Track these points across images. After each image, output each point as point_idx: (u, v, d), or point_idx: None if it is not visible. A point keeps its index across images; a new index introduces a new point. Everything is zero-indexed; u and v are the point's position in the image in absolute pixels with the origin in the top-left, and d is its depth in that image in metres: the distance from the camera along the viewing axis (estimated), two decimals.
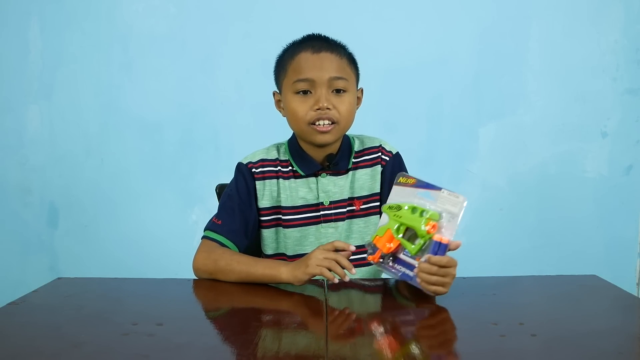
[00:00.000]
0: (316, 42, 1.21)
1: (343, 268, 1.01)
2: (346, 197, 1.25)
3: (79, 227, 2.28)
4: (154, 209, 2.27)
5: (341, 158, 1.25)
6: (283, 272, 1.05)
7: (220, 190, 1.45)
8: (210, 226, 1.21)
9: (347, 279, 1.01)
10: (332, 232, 1.24)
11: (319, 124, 1.17)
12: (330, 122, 1.17)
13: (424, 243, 0.99)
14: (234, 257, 1.12)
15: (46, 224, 2.28)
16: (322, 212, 1.24)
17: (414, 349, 0.82)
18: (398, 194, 1.05)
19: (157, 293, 1.07)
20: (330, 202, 1.24)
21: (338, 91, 1.19)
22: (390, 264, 1.03)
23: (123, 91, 2.24)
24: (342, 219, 1.25)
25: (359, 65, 1.27)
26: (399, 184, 1.06)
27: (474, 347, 0.81)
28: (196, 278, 1.15)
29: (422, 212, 1.00)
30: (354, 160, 1.27)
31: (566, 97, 2.27)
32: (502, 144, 2.28)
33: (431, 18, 2.24)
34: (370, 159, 1.27)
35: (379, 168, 1.27)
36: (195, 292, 1.09)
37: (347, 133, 1.28)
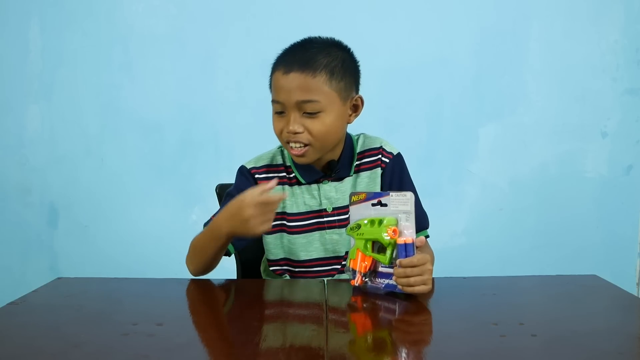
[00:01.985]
0: (290, 59, 1.16)
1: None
2: (348, 202, 1.24)
3: (79, 227, 2.28)
4: (154, 209, 2.27)
5: (342, 165, 1.23)
6: (224, 232, 1.06)
7: (220, 190, 1.45)
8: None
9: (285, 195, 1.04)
10: (336, 239, 1.23)
11: (292, 146, 1.16)
12: (302, 145, 1.15)
13: (392, 250, 1.00)
14: (193, 241, 1.17)
15: (46, 224, 2.28)
16: (325, 219, 1.23)
17: (413, 348, 0.82)
18: (355, 213, 1.06)
19: (157, 293, 1.07)
20: (333, 209, 1.22)
21: (310, 114, 1.13)
22: (374, 280, 1.04)
23: (123, 91, 2.24)
24: (346, 225, 1.24)
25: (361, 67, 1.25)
26: (353, 203, 1.07)
27: (474, 347, 0.80)
28: (196, 277, 1.16)
29: (379, 222, 1.01)
30: (356, 163, 1.25)
31: (566, 97, 2.27)
32: (502, 144, 2.28)
33: (431, 18, 2.24)
34: (370, 161, 1.25)
35: (378, 171, 1.24)
36: (195, 292, 1.09)
37: (351, 134, 1.27)
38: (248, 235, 1.04)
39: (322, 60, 1.14)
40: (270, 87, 1.20)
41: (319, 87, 1.13)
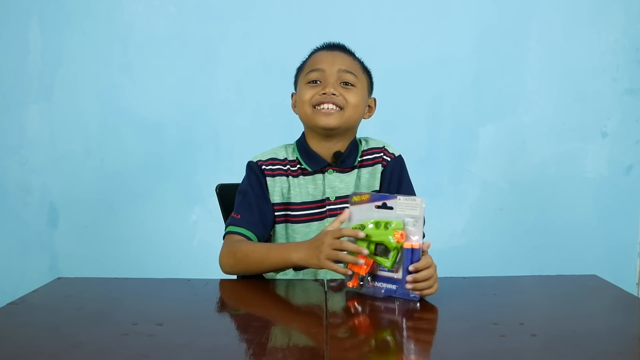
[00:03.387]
0: (332, 45, 1.31)
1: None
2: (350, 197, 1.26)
3: (79, 227, 2.28)
4: (154, 209, 2.27)
5: (348, 156, 1.29)
6: (294, 256, 1.08)
7: (221, 190, 1.45)
8: (230, 221, 1.24)
9: (361, 261, 1.01)
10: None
11: (323, 107, 1.23)
12: (335, 107, 1.23)
13: (397, 254, 1.00)
14: (249, 248, 1.16)
15: (46, 224, 2.28)
16: (327, 207, 1.27)
17: (413, 348, 0.82)
18: (357, 214, 1.06)
19: (157, 293, 1.07)
20: (337, 198, 1.27)
21: (347, 84, 1.25)
22: (371, 283, 1.04)
23: (123, 91, 2.24)
24: None
25: None
26: (354, 203, 1.06)
27: (474, 347, 0.81)
28: (197, 278, 1.15)
29: (386, 224, 1.01)
30: (359, 159, 1.30)
31: (566, 97, 2.27)
32: (502, 144, 2.28)
33: (431, 18, 2.24)
34: (372, 158, 1.31)
35: (379, 167, 1.30)
36: (195, 292, 1.09)
37: (355, 136, 1.32)
38: (312, 264, 1.05)
39: (356, 55, 1.32)
40: (301, 70, 1.31)
41: (356, 67, 1.29)
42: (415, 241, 0.99)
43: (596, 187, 2.30)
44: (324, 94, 1.22)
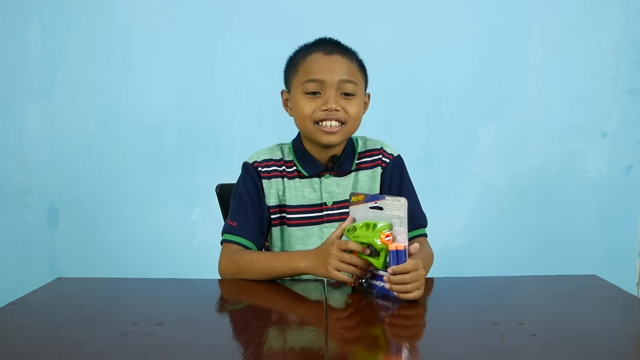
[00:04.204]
0: (328, 45, 1.22)
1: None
2: (349, 199, 1.26)
3: (79, 227, 2.28)
4: (154, 209, 2.27)
5: (345, 159, 1.27)
6: (301, 266, 1.08)
7: (220, 190, 1.45)
8: (227, 229, 1.22)
9: (368, 274, 1.03)
10: None
11: (325, 125, 1.19)
12: (338, 123, 1.19)
13: (386, 255, 1.00)
14: (253, 256, 1.15)
15: (46, 224, 2.28)
16: (325, 212, 1.26)
17: (412, 348, 0.82)
18: (354, 214, 1.07)
19: (157, 293, 1.07)
20: (334, 203, 1.26)
21: (347, 94, 1.20)
22: (369, 282, 1.04)
23: (123, 91, 2.24)
24: (345, 219, 1.25)
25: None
26: (352, 203, 1.07)
27: (474, 347, 0.81)
28: (197, 278, 1.16)
29: (373, 226, 1.01)
30: (356, 161, 1.29)
31: (566, 97, 2.27)
32: (502, 144, 2.28)
33: (431, 18, 2.24)
34: (371, 160, 1.29)
35: (379, 170, 1.28)
36: (195, 292, 1.09)
37: (352, 135, 1.30)
38: (319, 274, 1.05)
39: (354, 52, 1.25)
40: (294, 72, 1.23)
41: (355, 72, 1.22)
42: (400, 242, 0.99)
43: (596, 187, 2.30)
44: (325, 110, 1.18)
